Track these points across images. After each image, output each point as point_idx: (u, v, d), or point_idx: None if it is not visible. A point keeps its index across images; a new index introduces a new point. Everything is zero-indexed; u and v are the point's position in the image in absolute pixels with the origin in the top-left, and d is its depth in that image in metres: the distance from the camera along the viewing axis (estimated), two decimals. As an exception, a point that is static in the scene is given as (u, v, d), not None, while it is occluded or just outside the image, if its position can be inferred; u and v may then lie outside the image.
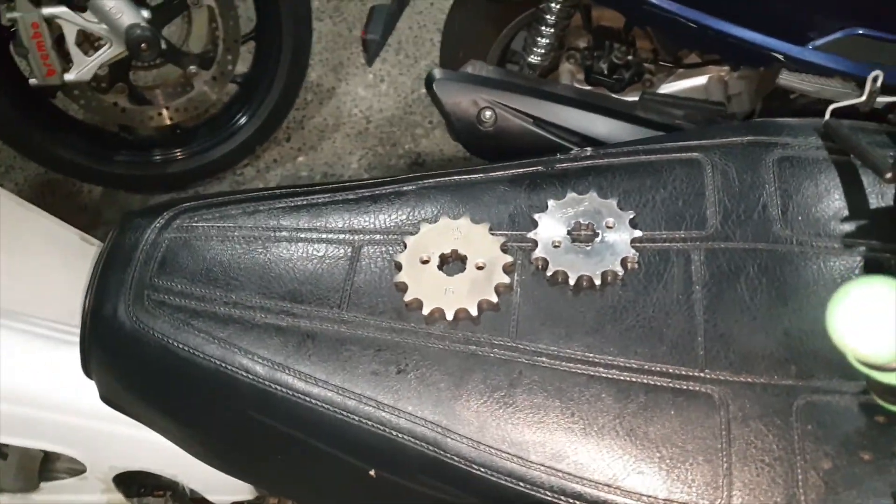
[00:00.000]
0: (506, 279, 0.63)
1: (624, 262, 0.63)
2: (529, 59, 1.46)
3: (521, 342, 0.61)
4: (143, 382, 0.68)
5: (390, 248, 0.67)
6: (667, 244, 0.64)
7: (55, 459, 0.94)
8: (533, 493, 0.57)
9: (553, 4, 1.34)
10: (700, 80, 1.46)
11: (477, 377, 0.60)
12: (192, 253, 0.67)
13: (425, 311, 0.63)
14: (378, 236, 0.68)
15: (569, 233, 0.65)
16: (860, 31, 1.10)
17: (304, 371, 0.62)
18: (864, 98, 0.67)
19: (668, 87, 1.47)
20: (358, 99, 2.05)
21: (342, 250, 0.67)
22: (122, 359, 0.67)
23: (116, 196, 1.94)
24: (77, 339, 0.68)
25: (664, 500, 0.55)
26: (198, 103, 1.80)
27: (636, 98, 1.44)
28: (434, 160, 1.92)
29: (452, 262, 0.66)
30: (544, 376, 0.60)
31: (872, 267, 0.61)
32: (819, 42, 1.14)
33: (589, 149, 0.71)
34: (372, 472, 0.62)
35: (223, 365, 0.63)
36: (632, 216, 0.65)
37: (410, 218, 0.69)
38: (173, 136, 1.87)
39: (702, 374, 0.59)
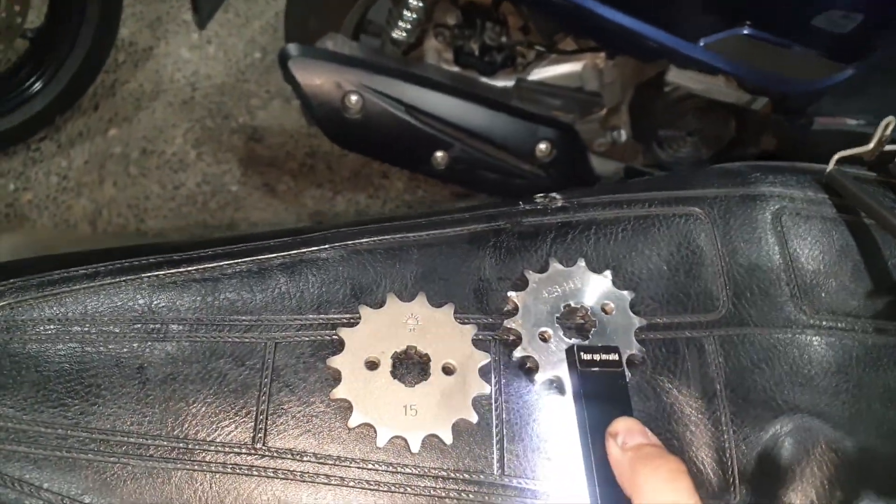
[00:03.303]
0: (485, 388, 0.47)
1: (631, 360, 0.49)
2: (393, 35, 1.29)
3: (512, 479, 0.46)
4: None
5: (320, 348, 0.48)
6: (673, 332, 0.51)
7: None
8: None
9: None
10: (575, 66, 1.36)
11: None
12: (16, 366, 0.45)
13: (381, 441, 0.45)
14: (298, 330, 0.48)
15: (557, 320, 0.50)
16: (745, 32, 1.07)
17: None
18: (871, 146, 0.57)
19: (541, 73, 1.36)
20: (181, 62, 1.75)
21: (248, 351, 0.47)
22: None
23: None
24: None
25: None
26: (-27, 62, 1.44)
27: (509, 83, 1.33)
28: (274, 136, 1.68)
29: (410, 366, 0.48)
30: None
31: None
32: (708, 40, 1.10)
33: (558, 197, 0.56)
34: None
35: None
36: (631, 297, 0.51)
37: (343, 298, 0.50)
38: (-57, 103, 1.50)
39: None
